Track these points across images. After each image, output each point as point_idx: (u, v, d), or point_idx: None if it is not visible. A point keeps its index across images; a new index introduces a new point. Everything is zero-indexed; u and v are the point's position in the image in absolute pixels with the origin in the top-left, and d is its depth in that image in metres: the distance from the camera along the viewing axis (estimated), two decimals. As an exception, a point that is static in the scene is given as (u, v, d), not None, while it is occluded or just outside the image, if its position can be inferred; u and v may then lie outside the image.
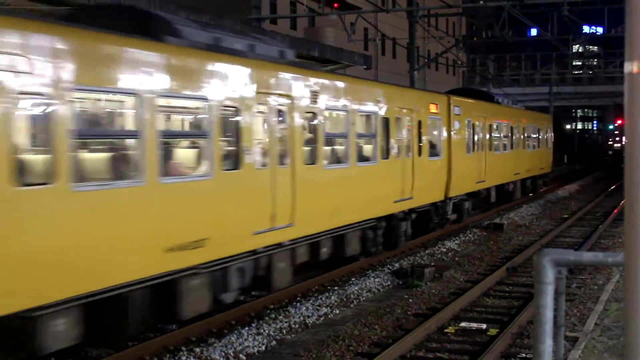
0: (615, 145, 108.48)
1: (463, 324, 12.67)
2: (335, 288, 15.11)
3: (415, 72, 34.66)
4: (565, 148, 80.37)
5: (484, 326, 12.50)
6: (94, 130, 10.03)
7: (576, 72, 73.71)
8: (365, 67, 33.10)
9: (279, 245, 12.96)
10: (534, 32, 72.00)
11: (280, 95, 12.77)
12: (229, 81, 11.40)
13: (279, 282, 13.30)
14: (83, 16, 10.89)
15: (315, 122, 14.05)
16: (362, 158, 16.40)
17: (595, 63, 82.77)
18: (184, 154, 11.33)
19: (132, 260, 9.46)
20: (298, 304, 13.71)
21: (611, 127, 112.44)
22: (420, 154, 19.51)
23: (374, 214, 16.93)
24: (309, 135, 13.94)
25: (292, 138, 13.07)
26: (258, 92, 12.05)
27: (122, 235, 9.23)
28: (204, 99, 10.82)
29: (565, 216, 28.66)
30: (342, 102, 15.24)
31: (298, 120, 13.30)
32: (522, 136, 32.40)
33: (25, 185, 7.82)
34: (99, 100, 9.96)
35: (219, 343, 11.14)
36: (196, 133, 11.49)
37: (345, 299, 14.32)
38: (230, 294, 11.96)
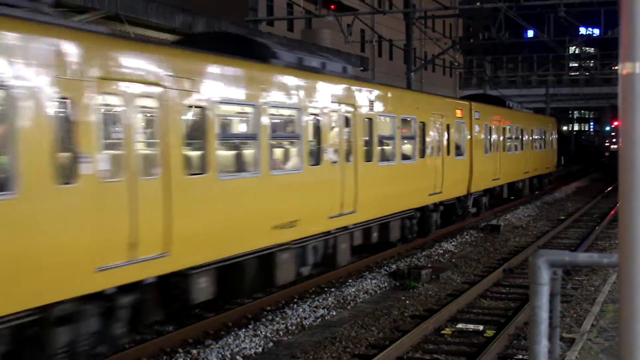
0: (612, 146, 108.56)
1: (460, 326, 12.68)
2: (332, 290, 15.12)
3: (412, 74, 34.69)
4: (561, 149, 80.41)
5: (481, 327, 12.51)
6: (230, 133, 12.74)
7: (573, 74, 73.81)
8: (362, 68, 33.12)
9: (344, 228, 15.55)
10: (530, 33, 72.18)
11: (347, 104, 15.49)
12: (312, 93, 14.04)
13: (341, 260, 15.68)
14: (194, 41, 13.20)
15: (371, 126, 16.62)
16: (405, 157, 18.93)
17: (591, 64, 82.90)
18: (284, 152, 13.81)
19: (252, 235, 12.14)
20: (295, 305, 13.72)
21: (608, 128, 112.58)
22: (448, 153, 22.09)
23: (412, 205, 19.50)
24: (366, 137, 16.42)
25: (355, 139, 15.73)
26: (332, 102, 14.78)
27: (247, 215, 11.89)
28: (297, 108, 13.47)
29: (562, 217, 28.68)
30: (391, 108, 17.99)
31: (359, 124, 15.94)
32: (530, 138, 34.91)
33: (190, 175, 10.53)
34: (233, 110, 12.67)
35: (215, 345, 11.14)
36: (292, 135, 13.74)
37: (342, 301, 14.32)
38: (307, 268, 14.33)
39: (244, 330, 11.95)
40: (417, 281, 15.96)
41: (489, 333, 12.10)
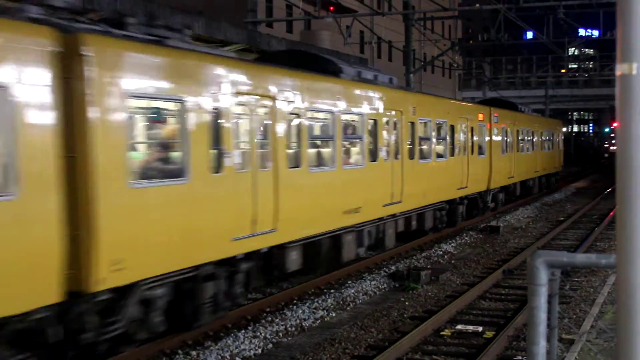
0: (612, 147, 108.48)
1: (459, 327, 12.68)
2: (332, 291, 15.12)
3: (411, 75, 34.70)
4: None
5: (480, 329, 12.51)
6: (315, 135, 15.06)
7: (572, 75, 73.81)
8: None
9: (392, 215, 18.38)
10: (529, 35, 72.21)
11: (395, 110, 18.28)
12: (370, 101, 16.87)
13: (388, 243, 18.58)
14: (275, 59, 16.07)
15: (413, 128, 19.40)
16: (438, 155, 21.70)
17: (591, 66, 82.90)
18: (351, 150, 16.45)
19: (329, 218, 15.04)
20: (294, 307, 13.72)
21: (607, 129, 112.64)
22: (472, 152, 24.87)
23: (443, 197, 22.14)
24: (410, 138, 19.19)
25: (401, 140, 18.59)
26: (385, 108, 17.63)
27: (327, 201, 14.82)
28: (360, 114, 16.35)
29: (561, 219, 28.69)
30: (431, 113, 21.01)
31: (404, 127, 18.81)
32: (540, 139, 37.59)
33: (290, 168, 13.41)
34: (318, 117, 15.06)
35: (215, 346, 11.15)
36: (357, 137, 16.43)
37: (341, 302, 14.33)
38: (362, 249, 17.08)
39: (243, 331, 11.95)
40: (417, 282, 15.97)
41: (489, 334, 12.11)
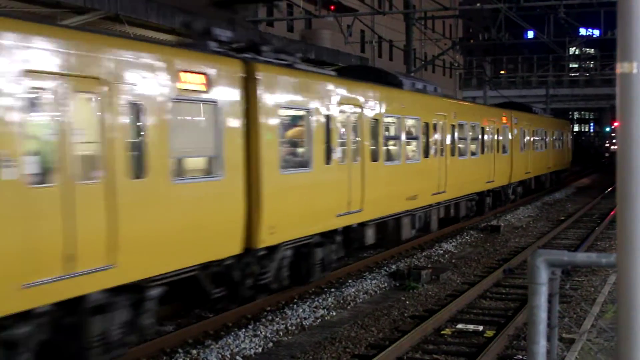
0: (612, 147, 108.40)
1: (459, 326, 12.68)
2: (332, 290, 15.12)
3: (411, 75, 34.67)
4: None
5: (481, 328, 12.52)
6: (388, 136, 18.25)
7: (573, 75, 73.77)
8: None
9: (437, 204, 21.84)
10: (530, 34, 72.20)
11: (441, 115, 21.90)
12: (425, 107, 20.54)
13: (433, 228, 22.04)
14: (350, 73, 19.28)
15: (454, 130, 23.10)
16: (472, 153, 25.23)
17: (591, 65, 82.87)
18: (411, 147, 19.71)
19: (396, 202, 18.52)
20: (295, 305, 13.72)
21: (608, 129, 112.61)
22: (498, 151, 28.49)
23: (475, 189, 25.56)
24: (451, 138, 22.80)
25: (445, 140, 22.22)
26: (435, 113, 21.37)
27: (395, 188, 18.31)
28: (417, 119, 19.85)
29: (562, 218, 28.69)
30: (467, 117, 24.58)
31: (448, 129, 22.58)
32: (551, 138, 41.26)
33: (372, 161, 16.84)
34: (389, 120, 18.22)
35: (215, 345, 11.15)
36: (415, 137, 19.83)
37: (342, 301, 14.33)
38: (414, 231, 20.10)
39: (243, 330, 11.96)
40: (417, 281, 15.97)
41: (489, 333, 12.11)
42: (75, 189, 8.60)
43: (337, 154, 15.00)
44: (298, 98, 13.69)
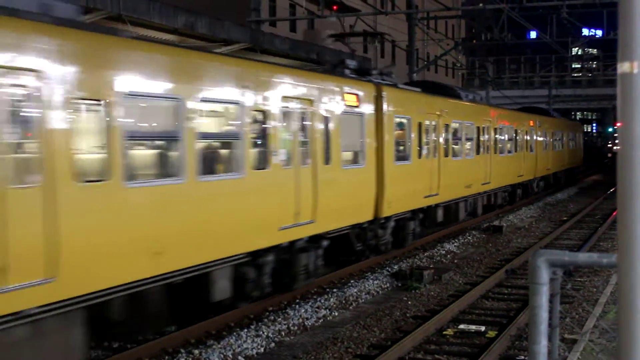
0: (615, 147, 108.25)
1: (462, 326, 12.68)
2: (334, 290, 15.12)
3: (414, 75, 34.68)
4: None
5: (483, 328, 12.51)
6: (454, 137, 22.97)
7: (575, 75, 73.70)
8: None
9: (484, 192, 26.61)
10: (533, 34, 72.15)
11: (486, 120, 26.55)
12: (475, 114, 25.09)
13: (479, 212, 26.76)
14: (422, 87, 22.72)
15: (495, 132, 27.82)
16: (508, 151, 29.99)
17: (594, 66, 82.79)
18: (467, 146, 24.34)
19: (458, 189, 23.07)
20: (297, 306, 13.72)
21: (610, 129, 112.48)
22: (526, 149, 33.25)
23: (509, 182, 29.80)
24: (492, 139, 27.35)
25: (489, 140, 27.01)
26: (482, 118, 26.03)
27: (458, 178, 22.94)
28: (472, 122, 24.62)
29: (564, 219, 28.67)
30: (505, 121, 29.13)
31: (492, 131, 27.34)
32: (567, 139, 45.99)
33: (445, 157, 21.88)
34: (454, 125, 22.98)
35: (217, 345, 11.14)
36: (470, 137, 24.52)
37: (344, 301, 14.32)
38: (465, 214, 24.80)
39: (245, 330, 11.95)
40: (419, 282, 15.96)
41: (491, 334, 12.10)
42: (300, 172, 13.59)
43: (424, 151, 19.90)
44: (402, 109, 18.61)
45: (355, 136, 16.31)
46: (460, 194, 23.46)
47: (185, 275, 10.63)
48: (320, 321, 12.92)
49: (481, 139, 25.95)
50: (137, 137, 9.89)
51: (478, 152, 25.53)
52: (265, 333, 11.87)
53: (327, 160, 14.59)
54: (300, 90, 13.75)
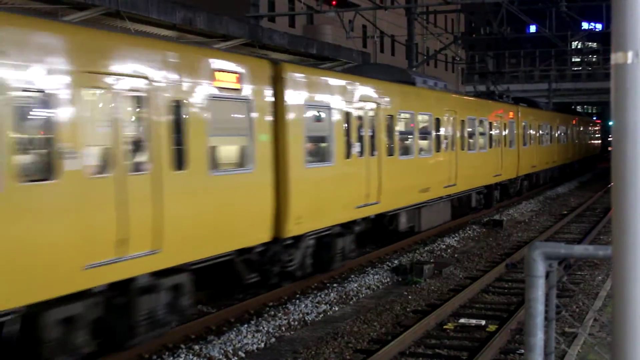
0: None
1: (462, 321, 12.68)
2: (334, 285, 15.12)
3: (413, 70, 34.63)
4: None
5: (483, 322, 12.51)
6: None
7: (575, 69, 73.59)
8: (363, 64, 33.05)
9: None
10: (532, 28, 72.01)
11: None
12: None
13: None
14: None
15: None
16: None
17: (594, 59, 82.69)
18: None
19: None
20: (297, 301, 13.73)
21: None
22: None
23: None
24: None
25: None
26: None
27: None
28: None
29: (565, 212, 28.68)
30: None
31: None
32: (587, 133, 56.10)
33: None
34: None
35: (218, 340, 11.15)
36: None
37: (344, 296, 14.33)
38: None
39: (246, 325, 11.96)
40: (420, 276, 15.96)
41: (491, 328, 12.11)
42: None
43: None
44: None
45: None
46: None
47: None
48: (320, 316, 12.92)
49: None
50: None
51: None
52: (266, 328, 11.88)
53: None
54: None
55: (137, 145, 9.80)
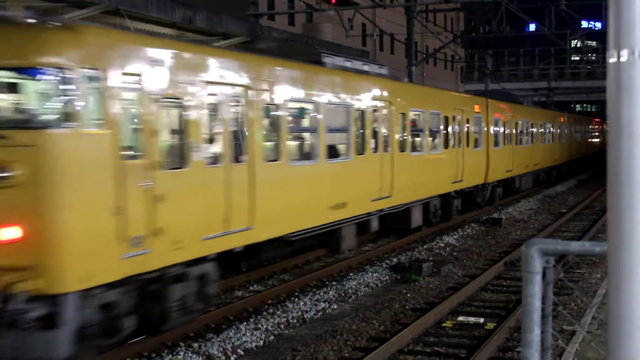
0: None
1: (461, 318, 12.71)
2: (333, 283, 15.14)
3: (413, 68, 34.64)
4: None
5: (482, 320, 12.54)
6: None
7: (575, 67, 73.60)
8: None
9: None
10: (532, 27, 71.93)
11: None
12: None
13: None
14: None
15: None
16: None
17: (593, 58, 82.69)
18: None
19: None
20: (296, 299, 13.75)
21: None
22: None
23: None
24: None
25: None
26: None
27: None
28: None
29: (564, 211, 28.70)
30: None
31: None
32: (596, 132, 62.47)
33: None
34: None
35: (217, 338, 11.17)
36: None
37: (343, 294, 14.35)
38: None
39: (245, 323, 11.98)
40: (418, 274, 15.99)
41: (490, 326, 12.13)
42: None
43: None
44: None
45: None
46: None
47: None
48: (319, 314, 12.95)
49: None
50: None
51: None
52: (265, 326, 11.90)
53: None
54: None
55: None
